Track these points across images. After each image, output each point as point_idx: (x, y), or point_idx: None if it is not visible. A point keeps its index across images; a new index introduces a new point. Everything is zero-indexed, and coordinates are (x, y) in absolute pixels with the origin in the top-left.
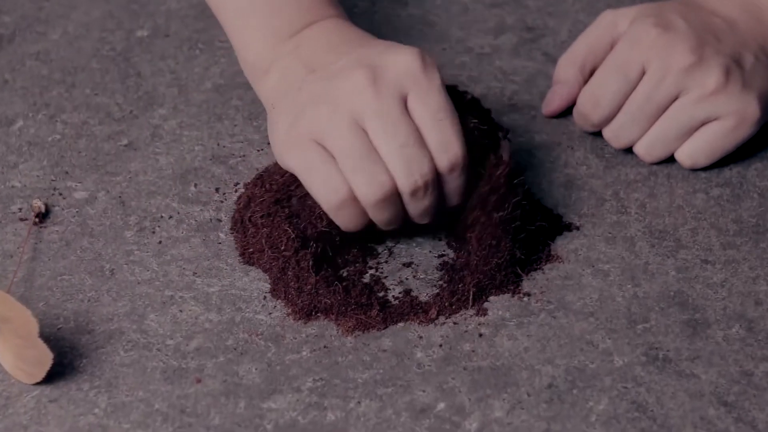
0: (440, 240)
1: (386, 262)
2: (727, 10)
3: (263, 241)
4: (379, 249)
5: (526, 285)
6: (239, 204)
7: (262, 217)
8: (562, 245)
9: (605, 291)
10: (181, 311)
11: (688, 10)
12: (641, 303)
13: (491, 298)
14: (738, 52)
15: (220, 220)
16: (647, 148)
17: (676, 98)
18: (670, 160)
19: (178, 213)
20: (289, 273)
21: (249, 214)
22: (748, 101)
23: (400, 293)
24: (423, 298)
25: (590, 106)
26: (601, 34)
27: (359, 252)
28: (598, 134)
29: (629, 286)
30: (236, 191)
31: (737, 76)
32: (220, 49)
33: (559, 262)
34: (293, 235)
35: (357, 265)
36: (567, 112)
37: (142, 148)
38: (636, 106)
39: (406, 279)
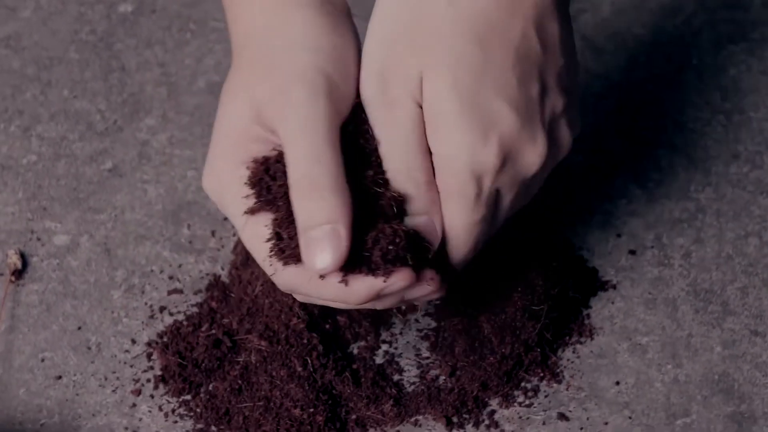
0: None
1: (401, 333)
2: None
3: (263, 314)
4: (394, 317)
5: (554, 364)
6: (236, 259)
7: (262, 285)
8: (597, 310)
9: (642, 373)
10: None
11: None
12: (682, 390)
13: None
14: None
15: (217, 277)
16: None
17: None
18: (721, 191)
19: (170, 265)
20: (293, 360)
21: (247, 278)
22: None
23: (416, 376)
24: (442, 378)
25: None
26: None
27: (371, 325)
28: (642, 154)
29: (669, 366)
30: (234, 235)
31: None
32: (214, 31)
33: (593, 335)
34: (299, 315)
35: (369, 339)
36: (615, 118)
37: (128, 173)
38: None
39: (425, 356)
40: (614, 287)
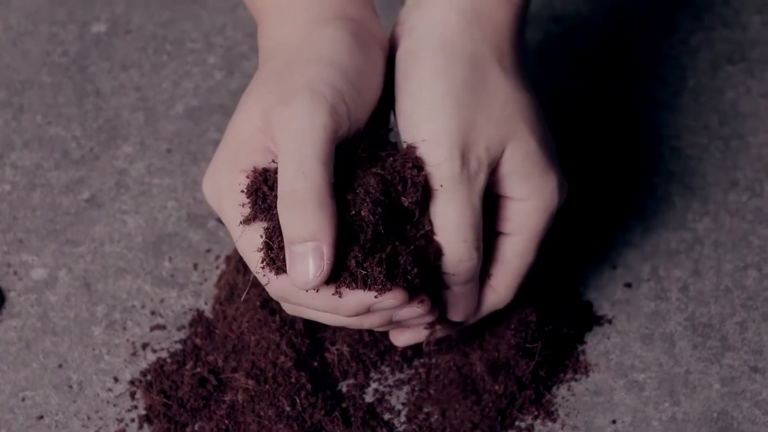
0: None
1: (391, 371)
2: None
3: (250, 352)
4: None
5: (549, 402)
6: (220, 294)
7: (248, 321)
8: (592, 346)
9: (640, 411)
10: None
11: None
12: (680, 428)
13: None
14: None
15: (200, 312)
16: None
17: None
18: (719, 220)
19: (152, 300)
20: (281, 400)
21: (232, 313)
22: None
23: (407, 416)
24: (434, 418)
25: None
26: None
27: (358, 364)
28: (637, 181)
29: (667, 404)
30: (217, 268)
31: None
32: (191, 52)
33: (588, 371)
34: (287, 353)
35: (358, 377)
36: (609, 143)
37: (107, 204)
38: None
39: (416, 394)
40: (610, 322)
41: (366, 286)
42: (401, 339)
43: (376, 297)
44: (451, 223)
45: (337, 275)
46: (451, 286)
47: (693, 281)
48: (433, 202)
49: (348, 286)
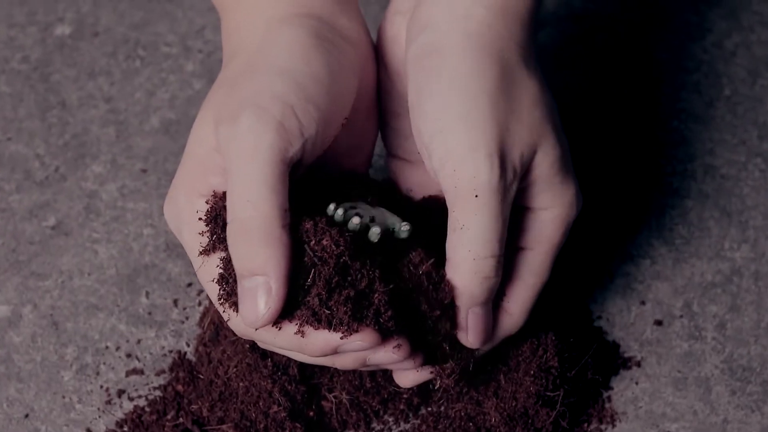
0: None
1: (395, 421)
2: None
3: (238, 400)
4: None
5: None
6: (203, 334)
7: (236, 366)
8: (618, 392)
9: None
10: None
11: None
12: None
13: None
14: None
15: (182, 354)
16: None
17: None
18: (759, 249)
19: (127, 341)
20: None
21: (218, 356)
22: None
23: None
24: None
25: None
26: None
27: (359, 413)
28: (668, 206)
29: None
30: (200, 303)
31: None
32: (167, 57)
33: (615, 421)
34: (280, 401)
35: (359, 427)
36: (635, 160)
37: (75, 231)
38: None
39: None
40: (638, 364)
41: (330, 326)
42: (407, 380)
43: (342, 338)
44: (480, 238)
45: (294, 312)
46: (470, 308)
47: (731, 318)
48: (458, 213)
49: (311, 326)
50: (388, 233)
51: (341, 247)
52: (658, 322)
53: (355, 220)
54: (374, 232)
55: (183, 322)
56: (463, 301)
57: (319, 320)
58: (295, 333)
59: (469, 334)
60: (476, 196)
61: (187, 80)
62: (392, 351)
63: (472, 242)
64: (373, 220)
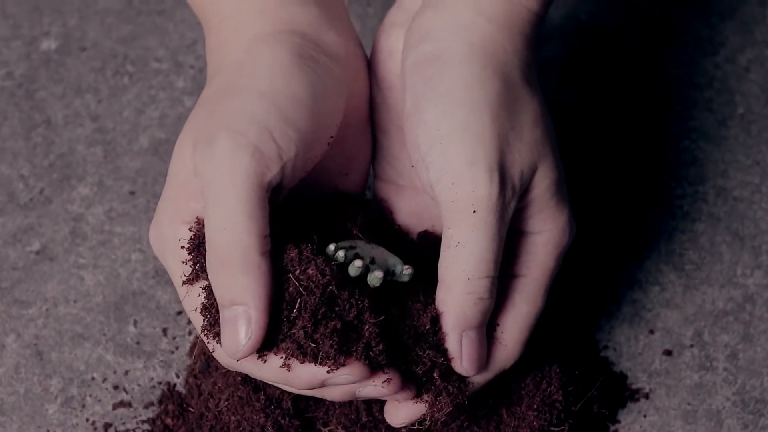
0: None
1: None
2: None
3: None
4: None
5: None
6: (194, 365)
7: (227, 399)
8: (626, 425)
9: None
10: None
11: None
12: None
13: None
14: None
15: (171, 386)
16: None
17: None
18: None
19: (114, 372)
20: None
21: (208, 389)
22: None
23: None
24: None
25: None
26: None
27: None
28: (677, 229)
29: None
30: (190, 333)
31: None
32: (157, 74)
33: None
34: None
35: None
36: (643, 182)
37: (60, 256)
38: None
39: None
40: (647, 396)
41: (316, 360)
42: (397, 417)
43: (328, 372)
44: (475, 256)
45: (280, 344)
46: (464, 332)
47: (743, 348)
48: (454, 230)
49: (296, 358)
50: (388, 275)
51: (327, 277)
52: (668, 352)
53: (357, 263)
54: (376, 277)
55: (172, 353)
56: (456, 323)
57: (304, 354)
58: (281, 366)
59: (464, 360)
60: (474, 211)
61: (177, 98)
62: (381, 385)
63: (468, 261)
64: (373, 261)
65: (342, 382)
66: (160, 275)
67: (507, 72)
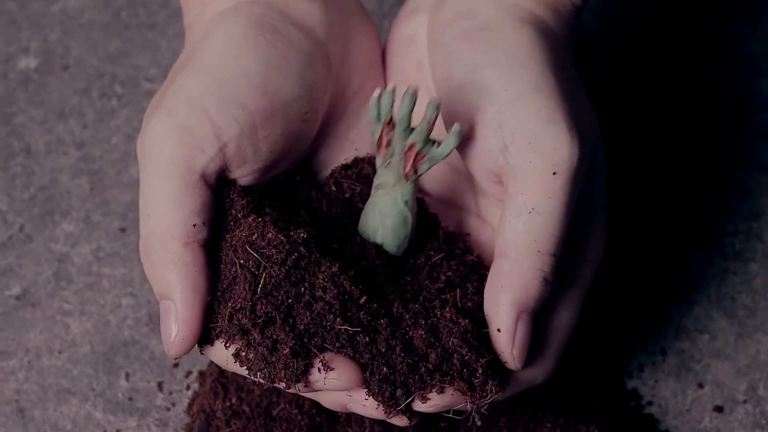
0: None
1: None
2: None
3: None
4: None
5: None
6: (192, 424)
7: None
8: None
9: None
10: None
11: None
12: None
13: None
14: None
15: None
16: None
17: None
18: None
19: (105, 431)
20: None
21: None
22: None
23: None
24: None
25: None
26: None
27: None
28: (728, 270)
29: None
30: (188, 387)
31: None
32: (148, 95)
33: None
34: None
35: None
36: (689, 216)
37: (43, 302)
38: None
39: None
40: None
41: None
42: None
43: (320, 373)
44: (550, 227)
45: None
46: (521, 313)
47: None
48: (528, 195)
49: (245, 352)
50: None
51: (283, 253)
52: (719, 408)
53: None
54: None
55: (169, 409)
56: (516, 300)
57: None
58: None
59: (516, 347)
60: (554, 173)
61: None
62: (362, 403)
63: (542, 231)
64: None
65: (331, 388)
66: (154, 322)
67: (559, 49)
